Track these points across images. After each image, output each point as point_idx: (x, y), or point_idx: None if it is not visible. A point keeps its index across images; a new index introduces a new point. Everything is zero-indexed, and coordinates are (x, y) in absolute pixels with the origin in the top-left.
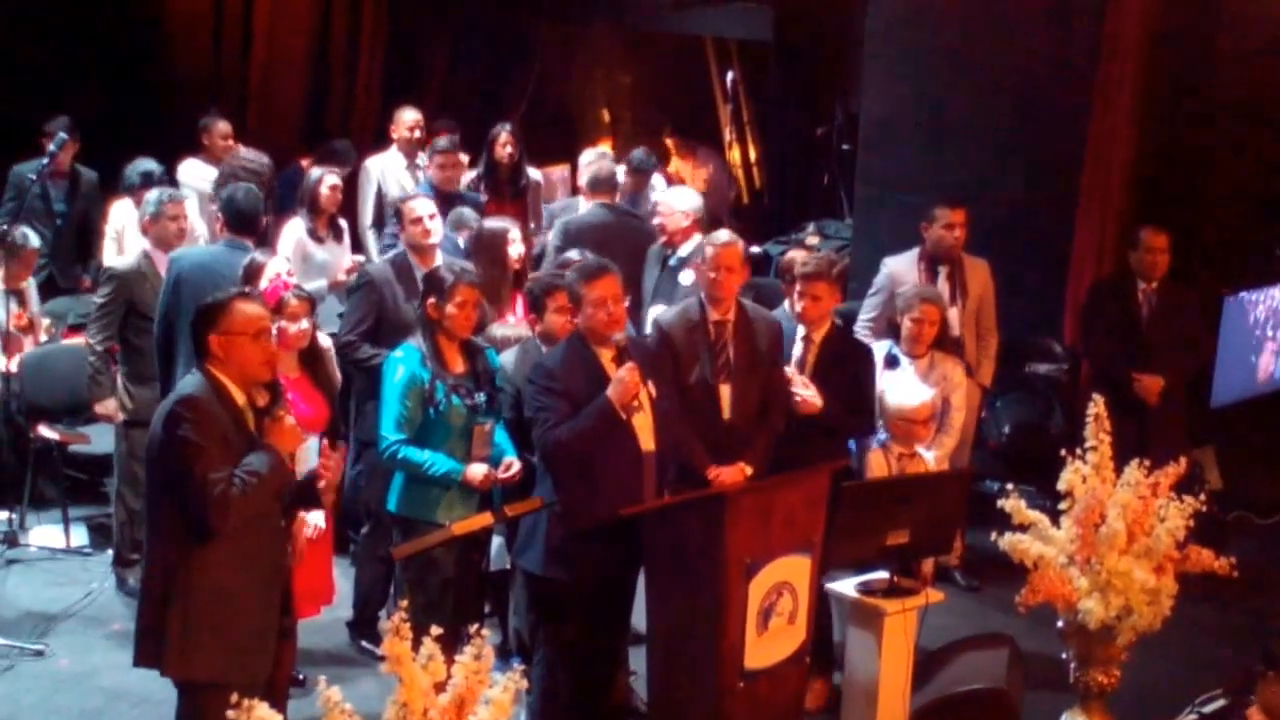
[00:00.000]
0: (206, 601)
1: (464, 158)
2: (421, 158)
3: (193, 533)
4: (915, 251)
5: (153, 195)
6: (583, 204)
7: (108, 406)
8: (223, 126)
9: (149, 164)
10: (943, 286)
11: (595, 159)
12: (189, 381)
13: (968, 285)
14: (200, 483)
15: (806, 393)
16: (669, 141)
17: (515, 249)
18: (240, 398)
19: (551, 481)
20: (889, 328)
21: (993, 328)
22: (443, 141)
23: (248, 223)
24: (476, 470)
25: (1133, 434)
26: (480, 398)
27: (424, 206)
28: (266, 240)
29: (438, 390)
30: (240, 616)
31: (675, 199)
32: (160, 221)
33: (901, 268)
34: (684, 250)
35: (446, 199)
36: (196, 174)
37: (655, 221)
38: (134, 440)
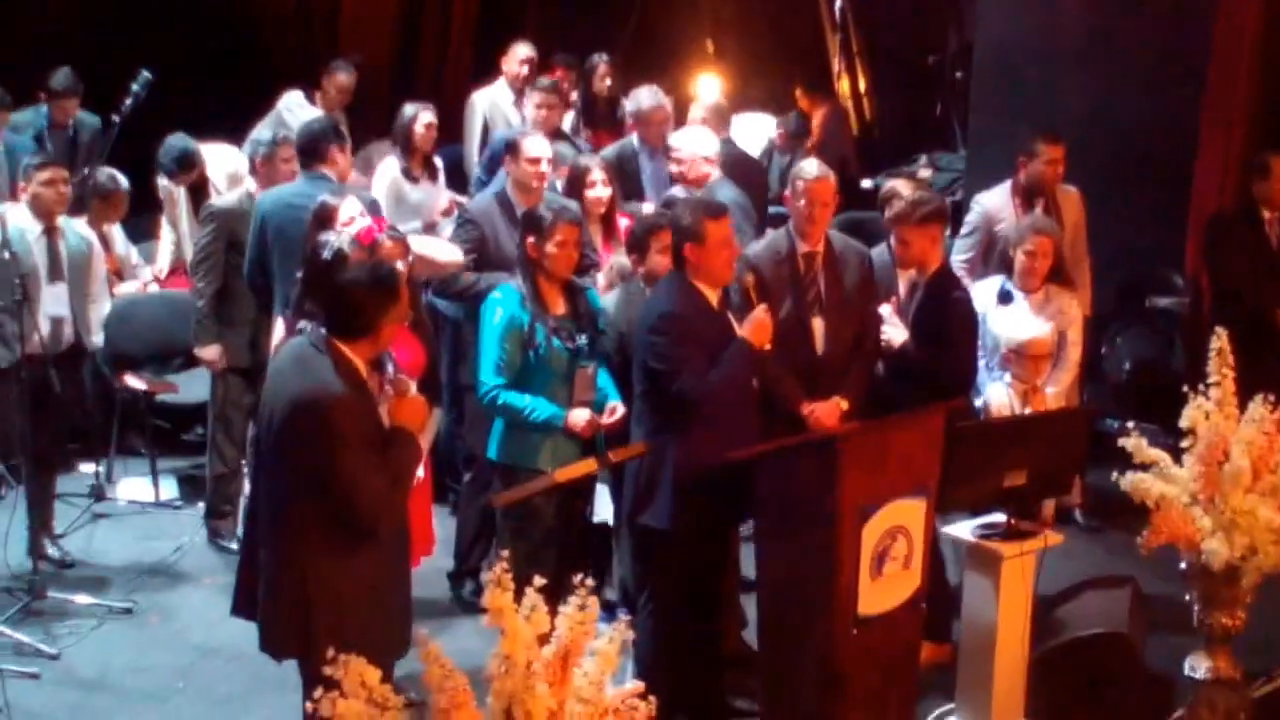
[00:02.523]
0: (361, 593)
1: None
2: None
3: (350, 534)
4: (1007, 186)
5: (265, 135)
6: (642, 148)
7: (211, 352)
8: (343, 78)
9: (183, 142)
10: None
11: (655, 98)
12: (323, 371)
13: (1063, 216)
14: (365, 496)
15: (893, 330)
16: (799, 94)
17: (596, 191)
18: (364, 370)
19: (674, 426)
20: (1000, 262)
21: (1085, 254)
22: (544, 81)
23: (318, 154)
24: (579, 416)
25: (1267, 369)
26: (582, 340)
27: (541, 146)
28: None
29: (538, 333)
30: (388, 596)
31: (694, 142)
32: (273, 163)
33: (996, 203)
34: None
35: None
36: (295, 105)
37: (671, 168)
38: (230, 385)
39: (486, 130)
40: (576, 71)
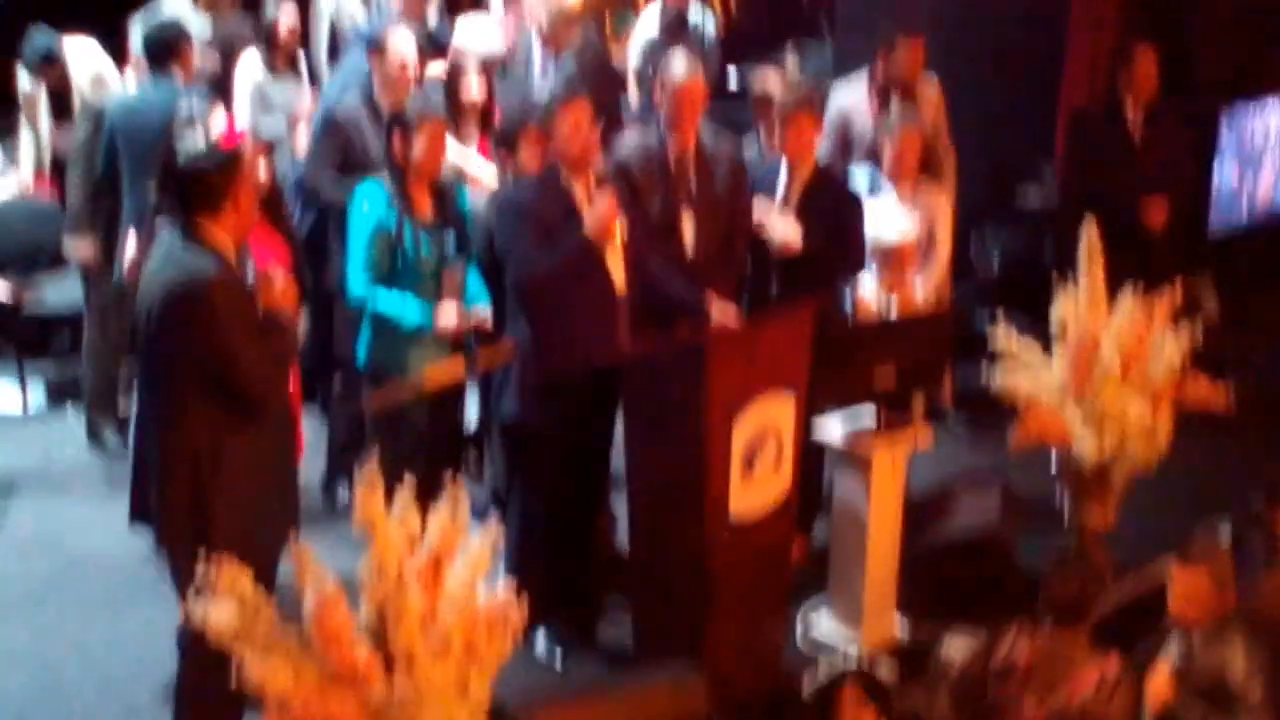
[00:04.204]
0: (252, 473)
1: None
2: None
3: (237, 413)
4: (863, 81)
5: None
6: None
7: (84, 248)
8: None
9: (48, 38)
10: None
11: None
12: (191, 257)
13: (921, 108)
14: (249, 372)
15: (785, 226)
16: None
17: (470, 88)
18: (231, 256)
19: (525, 322)
20: (868, 155)
21: (948, 147)
22: None
23: (166, 56)
24: (447, 308)
25: (1131, 263)
26: (449, 240)
27: (407, 44)
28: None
29: (405, 234)
30: (279, 476)
31: (470, 39)
32: None
33: (852, 101)
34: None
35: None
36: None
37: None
38: (103, 284)
39: (334, 32)
40: None
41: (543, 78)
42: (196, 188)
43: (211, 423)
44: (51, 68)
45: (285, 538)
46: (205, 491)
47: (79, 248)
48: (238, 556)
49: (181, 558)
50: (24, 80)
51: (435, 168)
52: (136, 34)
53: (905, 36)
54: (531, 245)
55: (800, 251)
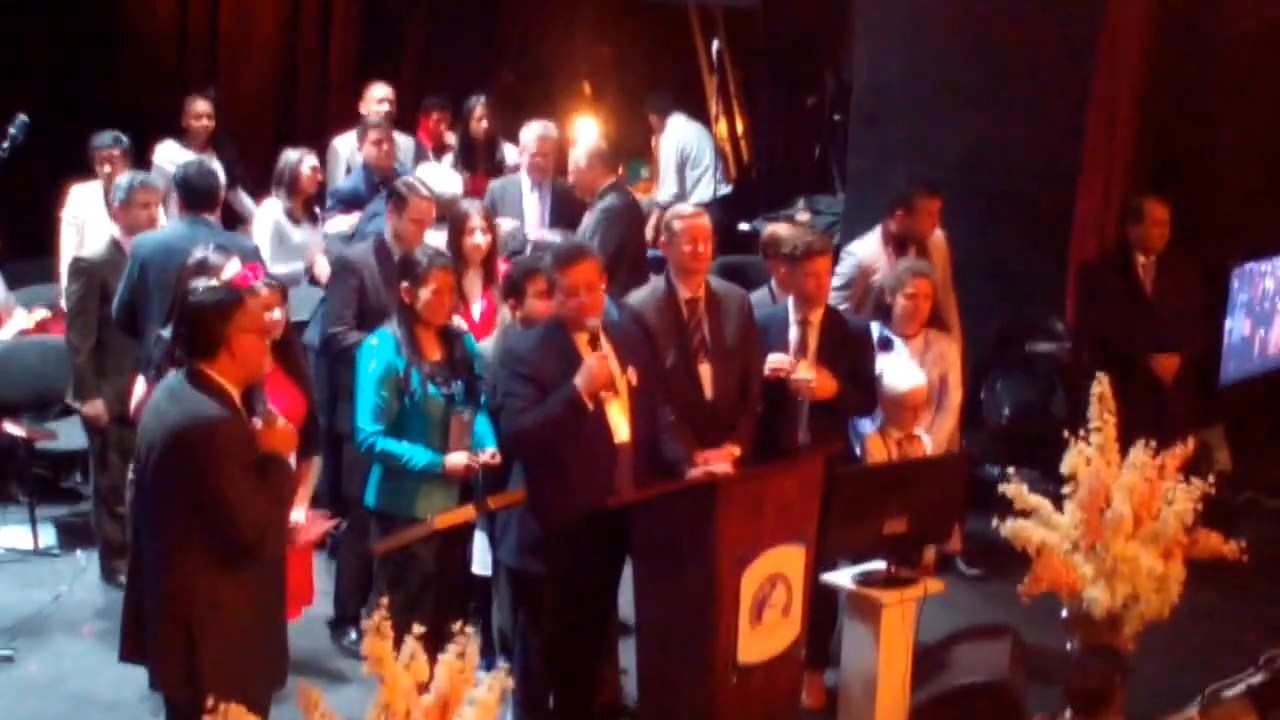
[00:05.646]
0: (245, 620)
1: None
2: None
3: (234, 558)
4: (877, 234)
5: (124, 180)
6: (526, 181)
7: (95, 407)
8: (200, 106)
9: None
10: None
11: (544, 132)
12: (198, 399)
13: (932, 260)
14: (250, 510)
15: (809, 375)
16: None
17: (475, 238)
18: (237, 398)
19: (523, 473)
20: (877, 309)
21: (953, 297)
22: (375, 118)
23: (204, 198)
24: (457, 458)
25: (1143, 415)
26: (457, 386)
27: (427, 208)
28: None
29: (413, 379)
30: (271, 624)
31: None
32: (131, 209)
33: (870, 254)
34: None
35: (382, 180)
36: (171, 156)
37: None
38: (109, 433)
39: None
40: (451, 114)
41: (541, 224)
42: (194, 330)
43: (207, 566)
44: (124, 154)
45: (277, 681)
46: (196, 635)
47: (90, 408)
48: (230, 700)
49: (175, 700)
50: (76, 203)
51: (442, 314)
52: (119, 183)
53: (923, 193)
54: (525, 398)
55: (832, 396)
